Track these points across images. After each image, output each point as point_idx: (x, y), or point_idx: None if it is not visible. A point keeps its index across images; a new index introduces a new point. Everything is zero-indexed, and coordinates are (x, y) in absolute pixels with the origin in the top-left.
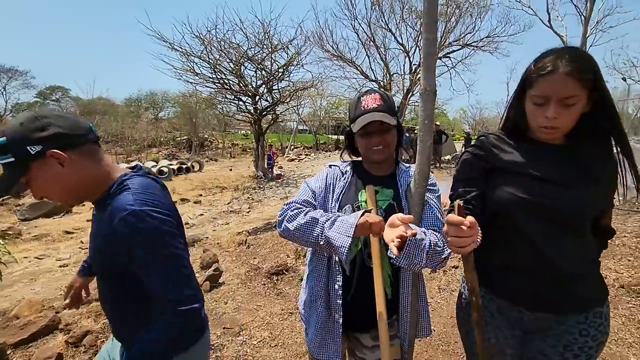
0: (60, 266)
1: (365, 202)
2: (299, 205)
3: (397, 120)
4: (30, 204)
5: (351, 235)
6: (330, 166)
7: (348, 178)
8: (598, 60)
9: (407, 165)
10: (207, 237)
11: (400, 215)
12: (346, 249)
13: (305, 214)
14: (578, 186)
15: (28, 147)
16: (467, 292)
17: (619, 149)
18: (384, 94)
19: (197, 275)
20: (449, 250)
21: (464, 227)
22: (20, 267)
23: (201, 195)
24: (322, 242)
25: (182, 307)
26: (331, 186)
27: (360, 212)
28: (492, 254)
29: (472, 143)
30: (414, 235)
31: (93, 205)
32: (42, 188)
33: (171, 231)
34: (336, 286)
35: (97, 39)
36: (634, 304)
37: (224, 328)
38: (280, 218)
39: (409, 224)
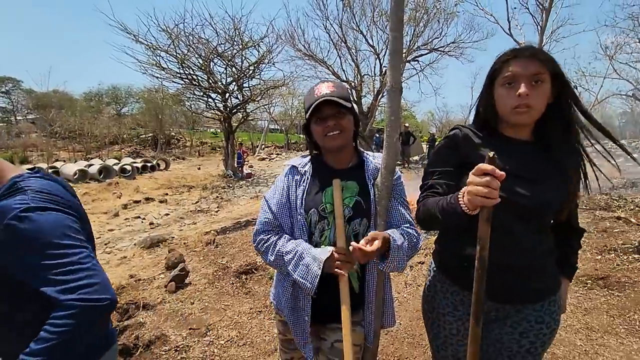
0: None
1: (331, 203)
2: (264, 237)
3: (353, 108)
4: None
5: (315, 284)
6: (290, 168)
7: (308, 179)
8: None
9: (372, 154)
10: (173, 237)
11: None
12: (312, 291)
13: (273, 249)
14: (547, 182)
15: None
16: (478, 247)
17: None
18: (338, 82)
19: (161, 276)
20: (421, 243)
21: (496, 176)
22: None
23: (167, 194)
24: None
25: (80, 296)
26: (293, 194)
27: (324, 256)
28: (460, 246)
29: (446, 135)
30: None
31: None
32: None
33: (73, 227)
34: (306, 299)
35: (52, 27)
36: (581, 294)
37: (190, 329)
38: (257, 251)
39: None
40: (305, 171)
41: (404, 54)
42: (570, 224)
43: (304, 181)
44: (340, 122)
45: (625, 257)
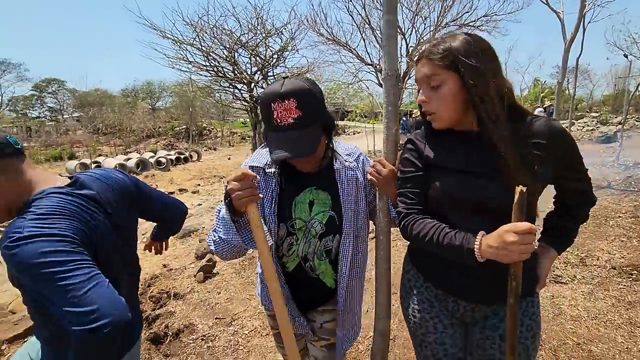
0: None
1: (301, 218)
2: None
3: (321, 115)
4: None
5: (233, 230)
6: (250, 169)
7: (273, 184)
8: (598, 37)
9: (344, 149)
10: (204, 227)
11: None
12: (240, 242)
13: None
14: (498, 175)
15: None
16: (512, 282)
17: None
18: (302, 90)
19: (192, 265)
20: None
21: (531, 233)
22: None
23: (199, 185)
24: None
25: (83, 327)
26: (261, 199)
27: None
28: None
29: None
30: None
31: None
32: None
33: (62, 251)
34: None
35: (85, 28)
36: (625, 285)
37: (216, 318)
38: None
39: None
40: (271, 172)
41: (431, 32)
42: (574, 192)
43: (270, 187)
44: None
45: None
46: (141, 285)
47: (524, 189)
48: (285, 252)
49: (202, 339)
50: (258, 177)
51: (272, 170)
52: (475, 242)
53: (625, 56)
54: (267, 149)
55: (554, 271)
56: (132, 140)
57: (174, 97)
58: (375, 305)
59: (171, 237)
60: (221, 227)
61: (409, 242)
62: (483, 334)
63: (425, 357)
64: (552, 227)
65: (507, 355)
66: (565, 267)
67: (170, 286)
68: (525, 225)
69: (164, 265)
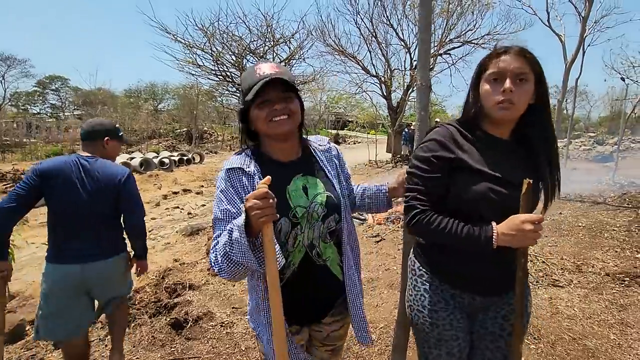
0: None
1: (301, 206)
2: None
3: (299, 91)
4: None
5: (251, 254)
6: (227, 172)
7: (257, 181)
8: (596, 59)
9: (310, 137)
10: (211, 226)
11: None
12: (256, 266)
13: (218, 247)
14: (534, 187)
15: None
16: (518, 256)
17: (547, 149)
18: (281, 64)
19: (203, 261)
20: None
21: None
22: (29, 252)
23: (202, 186)
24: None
25: None
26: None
27: (242, 217)
28: (460, 253)
29: (428, 137)
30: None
31: None
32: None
33: (27, 178)
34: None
35: (99, 29)
36: (618, 290)
37: (232, 307)
38: (214, 269)
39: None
40: (251, 170)
41: (435, 48)
42: None
43: (255, 183)
44: (288, 105)
45: None
46: (155, 277)
47: (530, 181)
48: (290, 247)
49: (221, 326)
50: (275, 199)
51: (252, 168)
52: (494, 231)
53: (623, 79)
54: (241, 154)
55: (551, 275)
56: (134, 141)
57: (176, 100)
58: (399, 300)
59: (179, 235)
60: (236, 250)
61: (419, 249)
62: (487, 315)
63: (438, 355)
64: None
65: (516, 318)
66: (562, 272)
67: (184, 278)
68: (539, 216)
69: (175, 260)
